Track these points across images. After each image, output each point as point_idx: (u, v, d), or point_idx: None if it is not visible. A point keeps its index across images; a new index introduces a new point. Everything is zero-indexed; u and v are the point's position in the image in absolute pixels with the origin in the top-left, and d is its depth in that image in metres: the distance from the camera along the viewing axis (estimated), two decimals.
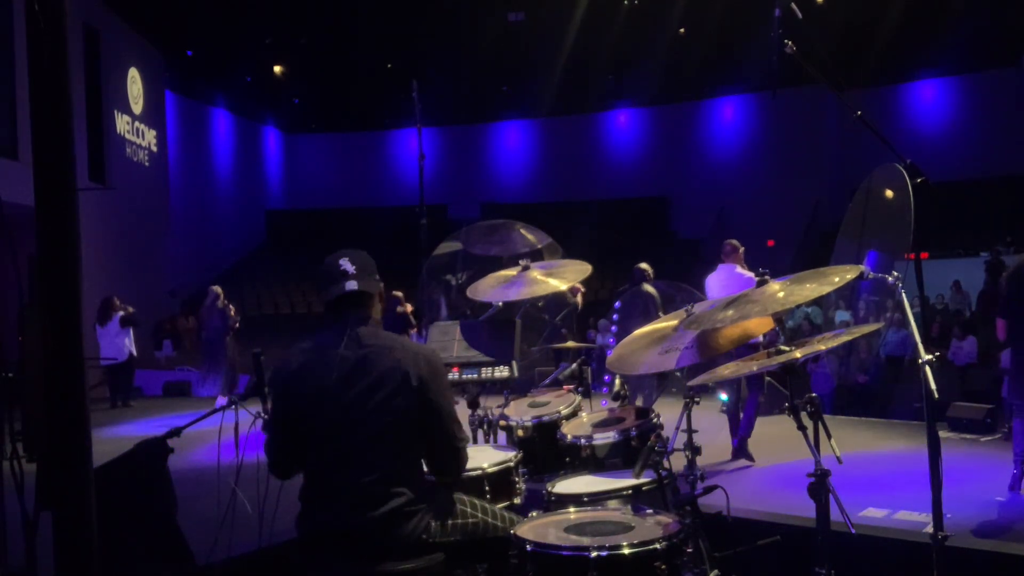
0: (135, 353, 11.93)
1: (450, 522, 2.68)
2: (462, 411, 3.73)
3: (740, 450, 6.68)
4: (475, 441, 3.91)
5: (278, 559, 3.63)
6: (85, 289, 2.35)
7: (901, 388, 11.87)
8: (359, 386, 2.54)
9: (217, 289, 11.86)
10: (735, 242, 7.03)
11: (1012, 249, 16.23)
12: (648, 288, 7.86)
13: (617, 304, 8.25)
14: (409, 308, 11.64)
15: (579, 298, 8.40)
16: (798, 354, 2.63)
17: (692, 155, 23.68)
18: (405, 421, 2.55)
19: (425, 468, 2.75)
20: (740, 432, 6.72)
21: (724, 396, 6.95)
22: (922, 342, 2.56)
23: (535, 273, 4.16)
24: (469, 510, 2.77)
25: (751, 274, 6.67)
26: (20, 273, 2.61)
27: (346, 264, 2.68)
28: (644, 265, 8.17)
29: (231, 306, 11.89)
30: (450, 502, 2.74)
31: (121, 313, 11.61)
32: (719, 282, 6.87)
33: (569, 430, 3.55)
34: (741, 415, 6.82)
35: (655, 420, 3.40)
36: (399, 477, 2.56)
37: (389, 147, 26.50)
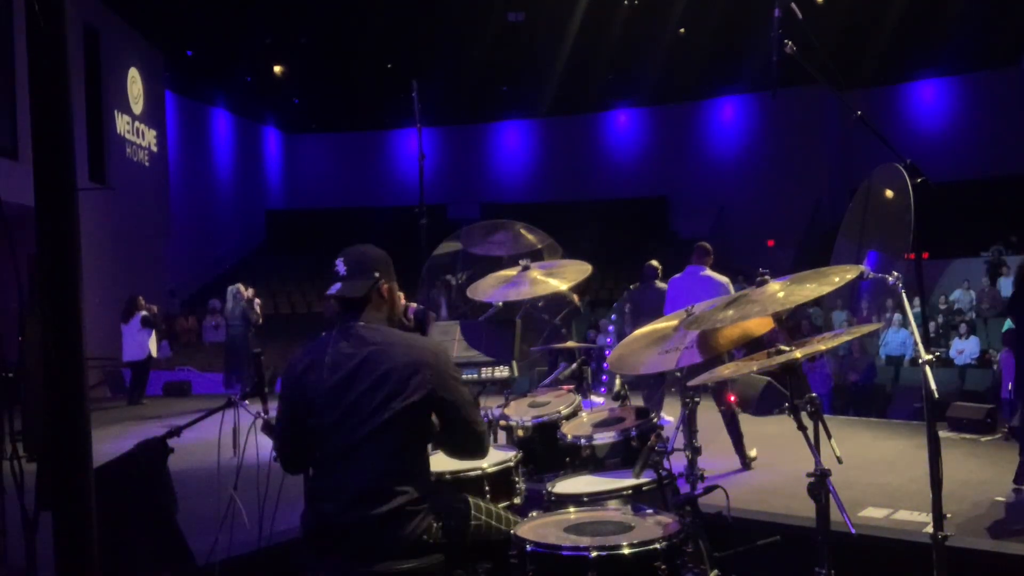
0: (154, 354, 12.15)
1: (451, 523, 2.67)
2: None
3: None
4: None
5: (278, 559, 3.63)
6: (85, 289, 2.34)
7: (901, 388, 11.88)
8: (363, 384, 2.54)
9: (235, 287, 11.89)
10: (708, 245, 6.95)
11: (1011, 250, 16.21)
12: (660, 285, 7.91)
13: (616, 305, 8.28)
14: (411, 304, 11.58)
15: (577, 299, 8.43)
16: (798, 354, 2.63)
17: (692, 155, 23.68)
18: (409, 419, 2.54)
19: (429, 464, 2.75)
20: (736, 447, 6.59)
21: None
22: (922, 342, 2.56)
23: (535, 273, 4.16)
24: (472, 511, 2.76)
25: (722, 278, 6.65)
26: (20, 273, 2.61)
27: (340, 265, 2.70)
28: (655, 262, 8.24)
29: (256, 300, 11.89)
30: (452, 503, 2.73)
31: (143, 313, 11.76)
32: (685, 284, 6.79)
33: (569, 430, 3.55)
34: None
35: (655, 420, 3.40)
36: (402, 476, 2.56)
37: (389, 147, 26.49)
